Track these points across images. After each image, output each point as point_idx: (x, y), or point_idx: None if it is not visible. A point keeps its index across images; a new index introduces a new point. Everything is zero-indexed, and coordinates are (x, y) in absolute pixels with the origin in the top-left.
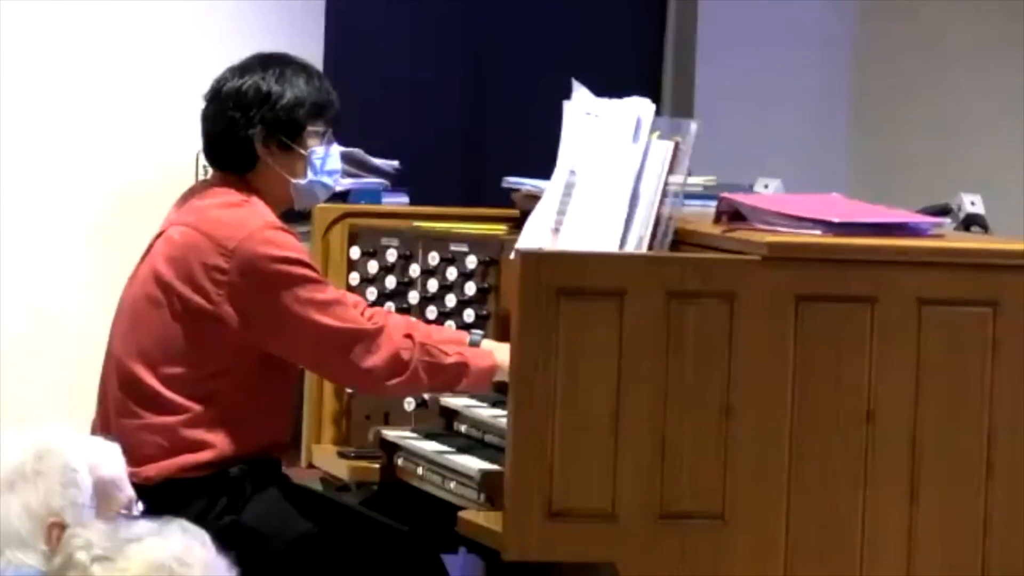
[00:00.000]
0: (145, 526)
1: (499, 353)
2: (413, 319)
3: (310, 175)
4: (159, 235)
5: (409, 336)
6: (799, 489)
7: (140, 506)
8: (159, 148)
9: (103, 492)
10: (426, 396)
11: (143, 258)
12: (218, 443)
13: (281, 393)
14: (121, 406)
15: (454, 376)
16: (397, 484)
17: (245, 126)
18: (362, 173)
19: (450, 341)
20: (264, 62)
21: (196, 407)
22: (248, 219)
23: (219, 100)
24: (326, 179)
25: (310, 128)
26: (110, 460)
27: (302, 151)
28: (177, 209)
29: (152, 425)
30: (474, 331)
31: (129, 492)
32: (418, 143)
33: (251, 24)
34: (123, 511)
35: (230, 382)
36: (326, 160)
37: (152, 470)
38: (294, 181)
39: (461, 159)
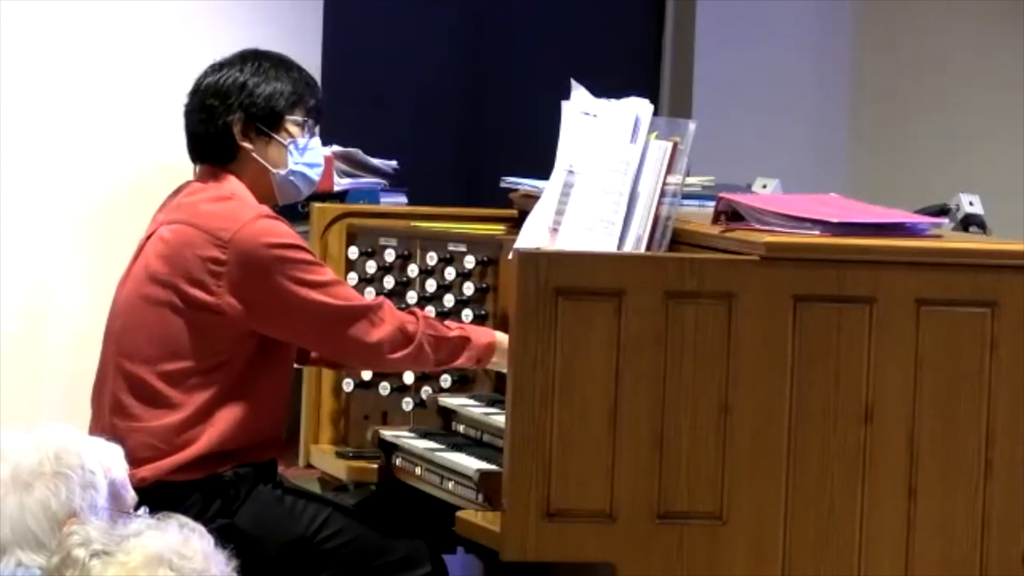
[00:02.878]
0: (143, 522)
1: (499, 333)
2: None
3: (290, 164)
4: (148, 236)
5: (412, 312)
6: (797, 489)
7: (145, 508)
8: (157, 147)
9: (114, 493)
10: (424, 396)
11: (134, 260)
12: (213, 438)
13: (277, 388)
14: (118, 407)
15: (456, 349)
16: (395, 484)
17: (224, 113)
18: (360, 173)
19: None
20: (243, 57)
21: (194, 403)
22: (240, 210)
23: (199, 94)
24: (306, 170)
25: (289, 118)
26: (117, 462)
27: (281, 141)
28: (163, 210)
29: (149, 426)
30: None
31: (133, 493)
32: (416, 143)
33: (249, 23)
34: (128, 512)
35: (227, 376)
36: (305, 150)
37: (147, 471)
38: (274, 171)
39: (459, 159)
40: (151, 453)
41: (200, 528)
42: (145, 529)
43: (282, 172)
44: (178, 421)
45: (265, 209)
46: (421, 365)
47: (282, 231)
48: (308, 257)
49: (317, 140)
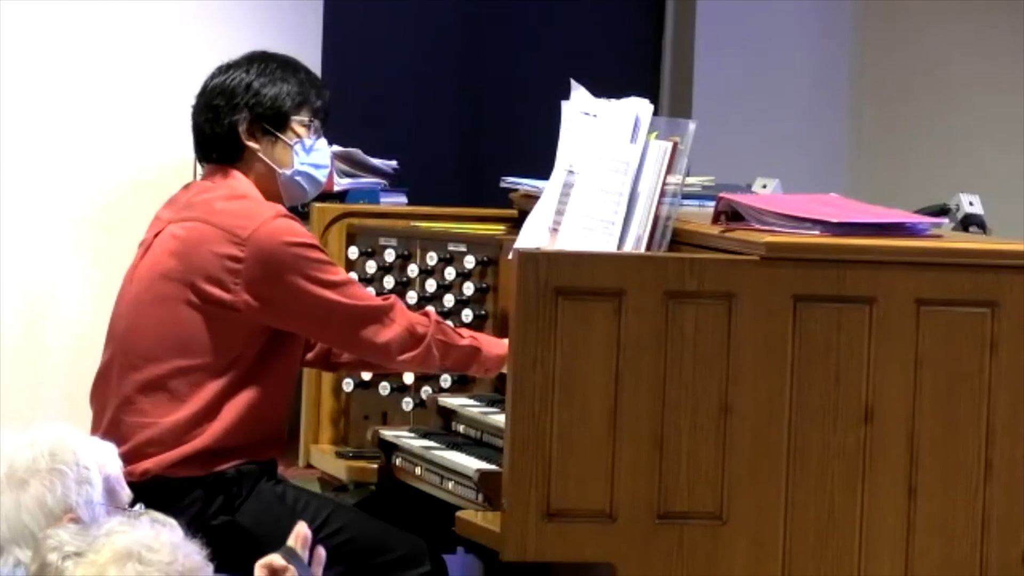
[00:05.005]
0: (116, 520)
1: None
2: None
3: (296, 164)
4: (155, 235)
5: (425, 314)
6: (797, 489)
7: (140, 505)
8: (157, 147)
9: (109, 489)
10: (423, 396)
11: (139, 259)
12: (217, 432)
13: (282, 384)
14: (126, 404)
15: (465, 358)
16: (395, 484)
17: (229, 113)
18: (360, 173)
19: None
20: (250, 59)
21: (202, 398)
22: (258, 208)
23: (205, 94)
24: (312, 171)
25: (295, 118)
26: (111, 459)
27: (287, 141)
28: (169, 209)
29: (158, 422)
30: None
31: (128, 490)
32: (416, 143)
33: (250, 23)
34: (124, 509)
35: (237, 371)
36: (312, 151)
37: (150, 463)
38: (280, 171)
39: (459, 159)
40: (157, 448)
41: (172, 522)
42: (116, 527)
43: (287, 172)
44: (187, 417)
45: (281, 208)
46: (428, 367)
47: (300, 231)
48: (324, 257)
49: (324, 142)
